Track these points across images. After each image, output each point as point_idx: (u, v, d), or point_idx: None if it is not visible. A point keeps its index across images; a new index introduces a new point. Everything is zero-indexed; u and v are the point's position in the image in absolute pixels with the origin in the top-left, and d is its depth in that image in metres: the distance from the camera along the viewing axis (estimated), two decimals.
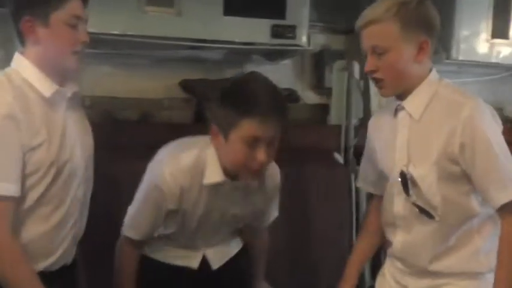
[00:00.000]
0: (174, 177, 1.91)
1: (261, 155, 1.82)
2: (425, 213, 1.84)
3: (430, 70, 1.89)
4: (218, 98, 1.85)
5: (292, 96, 3.45)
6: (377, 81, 1.87)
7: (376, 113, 2.16)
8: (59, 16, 1.73)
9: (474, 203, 1.83)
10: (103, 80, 3.24)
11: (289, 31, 3.08)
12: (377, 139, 2.02)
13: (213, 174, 1.91)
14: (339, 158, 3.17)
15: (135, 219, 2.03)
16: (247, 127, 1.78)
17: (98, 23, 2.79)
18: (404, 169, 1.83)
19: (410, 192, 1.84)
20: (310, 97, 3.76)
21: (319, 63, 3.72)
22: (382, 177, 1.99)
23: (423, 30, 1.80)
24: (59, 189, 1.77)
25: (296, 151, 3.04)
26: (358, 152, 3.21)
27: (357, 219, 3.19)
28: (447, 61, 3.37)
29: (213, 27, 2.92)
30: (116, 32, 2.83)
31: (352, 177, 3.20)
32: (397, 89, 1.86)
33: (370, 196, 3.18)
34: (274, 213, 2.30)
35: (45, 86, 1.75)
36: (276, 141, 1.88)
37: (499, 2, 3.43)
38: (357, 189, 3.21)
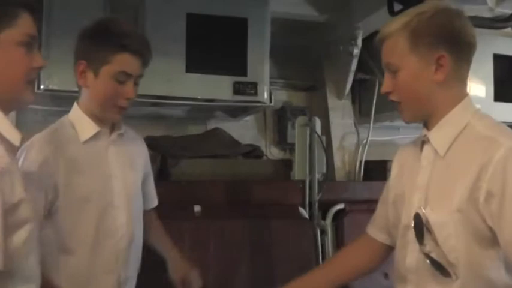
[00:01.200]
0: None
1: (129, 89, 1.84)
2: (439, 269, 1.50)
3: (465, 96, 1.59)
4: (89, 34, 1.86)
5: (255, 152, 3.47)
6: (396, 104, 1.61)
7: (402, 147, 1.79)
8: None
9: (501, 272, 1.47)
10: None
11: (250, 88, 3.13)
12: (398, 176, 1.73)
13: (86, 129, 1.89)
14: (304, 213, 3.17)
15: None
16: (120, 62, 1.81)
17: (62, 81, 2.80)
18: (420, 212, 1.52)
19: (425, 241, 1.51)
20: (273, 153, 3.80)
21: (281, 120, 3.78)
22: (395, 226, 1.69)
23: (440, 43, 1.51)
24: None
25: (261, 206, 3.05)
26: (322, 207, 3.25)
27: None
28: None
29: (175, 84, 2.95)
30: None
31: (318, 231, 3.20)
32: (417, 114, 1.59)
33: (336, 250, 3.18)
34: (154, 195, 2.24)
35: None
36: (139, 80, 1.91)
37: None
38: (323, 244, 3.20)
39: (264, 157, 3.61)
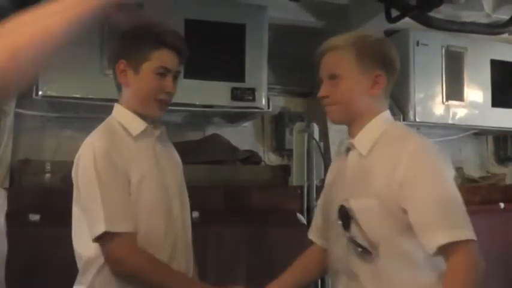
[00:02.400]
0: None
1: (169, 84, 1.91)
2: (363, 250, 1.70)
3: (384, 110, 1.85)
4: (128, 34, 1.90)
5: (253, 158, 3.47)
6: (327, 106, 1.84)
7: (333, 157, 2.14)
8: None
9: (418, 248, 1.66)
10: (64, 145, 3.22)
11: (248, 94, 3.14)
12: (329, 181, 2.00)
13: (135, 124, 1.91)
14: (302, 218, 3.17)
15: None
16: (159, 58, 1.88)
17: (60, 87, 2.81)
18: (345, 203, 1.74)
19: (351, 228, 1.72)
20: (271, 159, 3.80)
21: (279, 125, 3.79)
22: (327, 224, 1.92)
23: (379, 64, 1.79)
24: None
25: (259, 212, 3.04)
26: None
27: (322, 279, 3.16)
28: (404, 123, 3.46)
29: None
30: (77, 96, 2.83)
31: None
32: (345, 116, 1.84)
33: None
34: None
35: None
36: (178, 76, 1.98)
37: (451, 64, 3.58)
38: None
39: (262, 163, 3.61)
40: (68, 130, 3.32)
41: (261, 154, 3.65)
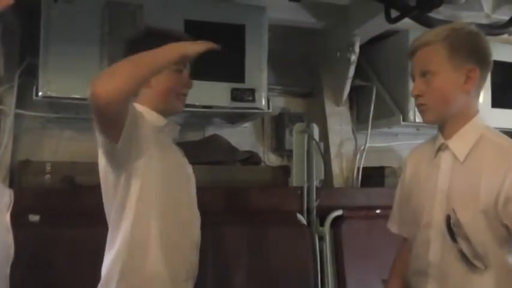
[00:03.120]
0: None
1: (188, 79, 1.98)
2: (467, 262, 1.71)
3: (477, 111, 1.82)
4: (146, 35, 1.95)
5: (253, 158, 3.47)
6: (420, 106, 1.80)
7: (414, 149, 2.03)
8: None
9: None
10: (64, 145, 3.23)
11: (248, 94, 3.14)
12: (415, 178, 1.93)
13: (158, 118, 1.94)
14: (302, 219, 3.17)
15: None
16: None
17: (60, 87, 2.81)
18: (451, 213, 1.71)
19: (457, 239, 1.70)
20: (271, 159, 3.80)
21: (279, 126, 3.79)
22: (413, 222, 1.88)
23: (472, 58, 1.75)
24: None
25: (259, 213, 3.05)
26: (320, 213, 3.25)
27: (322, 279, 3.17)
28: (404, 123, 3.46)
29: None
30: (77, 96, 2.83)
31: (316, 238, 3.20)
32: (440, 115, 1.78)
33: (335, 256, 3.18)
34: None
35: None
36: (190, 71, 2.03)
37: None
38: (321, 250, 3.20)
39: (262, 164, 3.61)
40: (68, 131, 3.33)
41: (261, 155, 3.65)
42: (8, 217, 1.33)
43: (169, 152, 1.95)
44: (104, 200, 1.90)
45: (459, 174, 1.75)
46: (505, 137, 1.80)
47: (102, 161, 1.84)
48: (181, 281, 1.90)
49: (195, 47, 1.75)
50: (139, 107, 1.91)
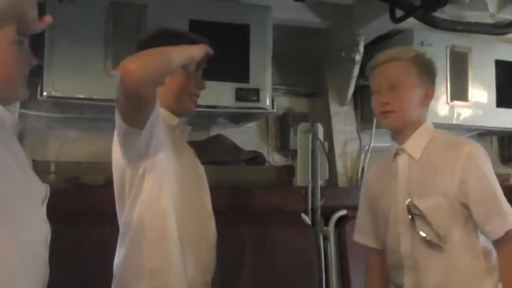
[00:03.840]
0: None
1: (201, 80, 2.01)
2: (431, 245, 1.92)
3: (426, 118, 2.08)
4: (159, 36, 1.93)
5: (258, 158, 3.47)
6: (387, 112, 2.01)
7: (371, 165, 2.36)
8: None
9: (475, 240, 1.95)
10: (68, 145, 3.23)
11: (252, 94, 3.14)
12: (377, 186, 2.15)
13: (171, 117, 1.94)
14: (306, 219, 3.17)
15: None
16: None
17: (65, 87, 2.81)
18: (410, 204, 1.94)
19: (417, 226, 1.92)
20: (275, 159, 3.80)
21: (283, 126, 3.79)
22: (383, 225, 2.08)
23: (431, 80, 2.05)
24: None
25: (263, 213, 3.04)
26: (325, 213, 3.25)
27: (326, 279, 3.17)
28: None
29: None
30: (82, 96, 2.84)
31: (321, 238, 3.20)
32: (401, 123, 2.01)
33: (339, 256, 3.18)
34: None
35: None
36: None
37: (456, 65, 3.57)
38: (326, 250, 3.20)
39: (267, 163, 3.61)
40: (72, 131, 3.33)
41: (265, 154, 3.65)
42: (44, 209, 1.37)
43: (183, 151, 1.95)
44: (116, 198, 1.88)
45: (416, 170, 1.99)
46: (453, 136, 2.16)
47: (117, 158, 1.83)
48: (199, 282, 1.88)
49: (200, 51, 1.79)
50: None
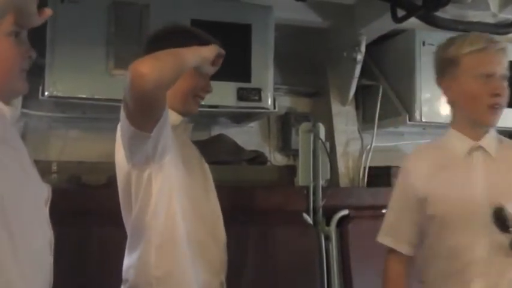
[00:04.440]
0: None
1: (209, 83, 1.98)
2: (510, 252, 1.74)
3: None
4: (167, 35, 1.92)
5: (259, 158, 3.47)
6: (496, 106, 1.88)
7: (415, 156, 2.08)
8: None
9: None
10: (70, 145, 3.23)
11: (254, 94, 3.13)
12: (432, 184, 1.92)
13: (174, 116, 1.90)
14: (308, 219, 3.17)
15: None
16: None
17: (66, 87, 2.81)
18: (499, 205, 1.75)
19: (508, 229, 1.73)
20: (277, 159, 3.80)
21: (285, 126, 3.78)
22: (436, 228, 1.90)
23: None
24: None
25: (265, 212, 3.04)
26: (326, 213, 3.24)
27: (328, 279, 3.16)
28: (410, 123, 3.45)
29: None
30: (83, 96, 2.84)
31: (322, 237, 3.19)
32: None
33: (341, 256, 3.17)
34: None
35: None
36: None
37: None
38: (327, 250, 3.19)
39: (268, 163, 3.60)
40: (74, 130, 3.34)
41: (267, 154, 3.65)
42: (47, 211, 1.35)
43: (188, 151, 1.95)
44: (121, 201, 1.86)
45: (494, 169, 1.87)
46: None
47: (120, 160, 1.81)
48: (213, 284, 1.89)
49: (212, 51, 1.76)
50: None
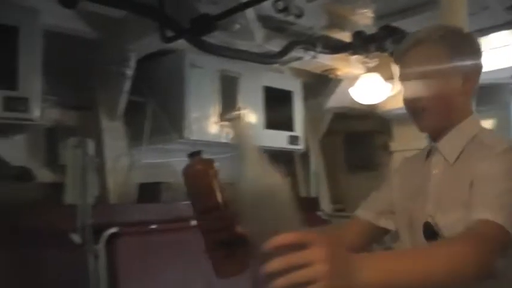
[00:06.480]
0: None
1: None
2: None
3: (472, 111, 1.70)
4: None
5: (25, 174, 3.27)
6: (416, 113, 1.66)
7: (407, 157, 1.90)
8: None
9: None
10: None
11: (21, 104, 2.93)
12: (407, 183, 1.78)
13: None
14: (77, 238, 3.06)
15: None
16: None
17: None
18: (430, 220, 1.60)
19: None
20: (44, 175, 3.59)
21: (52, 140, 3.61)
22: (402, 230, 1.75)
23: (470, 57, 1.65)
24: None
25: (30, 233, 2.86)
26: (97, 231, 3.16)
27: None
28: (181, 140, 3.55)
29: None
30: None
31: (91, 257, 3.10)
32: (440, 122, 1.66)
33: (111, 275, 3.12)
34: None
35: None
36: None
37: (226, 87, 3.75)
38: (96, 269, 3.12)
39: (35, 179, 3.41)
40: None
41: (34, 170, 3.44)
42: None
43: None
44: None
45: (448, 177, 1.62)
46: (501, 137, 1.64)
47: None
48: None
49: None
50: None
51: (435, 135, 1.70)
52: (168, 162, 3.91)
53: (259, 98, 3.98)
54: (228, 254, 1.55)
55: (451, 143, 1.65)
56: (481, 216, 1.42)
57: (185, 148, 3.82)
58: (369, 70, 4.43)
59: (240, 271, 1.55)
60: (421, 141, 4.01)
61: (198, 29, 3.15)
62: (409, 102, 1.69)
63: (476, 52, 1.68)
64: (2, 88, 2.88)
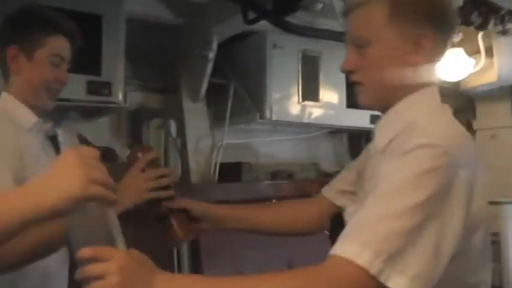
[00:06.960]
0: None
1: (64, 74, 1.88)
2: None
3: (430, 84, 1.38)
4: (20, 18, 1.81)
5: (109, 155, 3.37)
6: (354, 85, 1.43)
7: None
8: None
9: None
10: None
11: (104, 88, 3.03)
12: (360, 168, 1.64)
13: (27, 116, 1.80)
14: None
15: None
16: (55, 45, 1.82)
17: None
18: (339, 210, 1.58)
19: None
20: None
21: (136, 122, 3.70)
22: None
23: (423, 19, 1.32)
24: None
25: None
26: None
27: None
28: (261, 120, 3.55)
29: None
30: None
31: None
32: (380, 98, 1.41)
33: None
34: None
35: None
36: (69, 66, 1.93)
37: (307, 67, 3.71)
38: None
39: (119, 160, 3.51)
40: None
41: (117, 151, 3.54)
42: None
43: (42, 161, 1.74)
44: None
45: (373, 166, 1.43)
46: (436, 128, 1.28)
47: None
48: None
49: None
50: (8, 100, 1.79)
51: (383, 112, 1.44)
52: (249, 142, 3.92)
53: (340, 77, 3.90)
54: (170, 224, 1.77)
55: (385, 127, 1.40)
56: (338, 251, 1.15)
57: (266, 128, 3.83)
58: (453, 45, 4.22)
59: (184, 239, 1.81)
60: (507, 119, 3.81)
61: (281, 10, 3.12)
62: (346, 74, 1.44)
63: (429, 14, 1.33)
64: (86, 73, 2.98)
